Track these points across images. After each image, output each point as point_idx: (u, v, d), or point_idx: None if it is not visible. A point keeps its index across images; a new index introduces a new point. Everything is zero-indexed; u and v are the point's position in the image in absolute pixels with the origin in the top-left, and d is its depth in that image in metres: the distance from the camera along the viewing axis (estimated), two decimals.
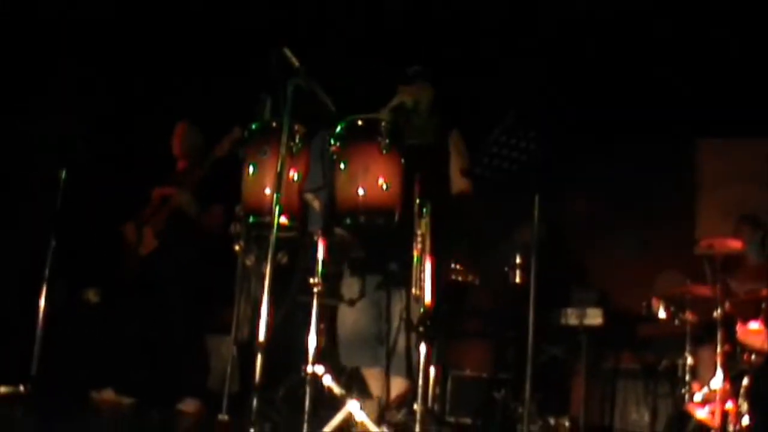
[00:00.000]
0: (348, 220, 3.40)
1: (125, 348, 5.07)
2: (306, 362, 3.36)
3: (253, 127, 3.61)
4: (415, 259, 3.47)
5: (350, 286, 3.91)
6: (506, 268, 5.01)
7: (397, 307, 3.83)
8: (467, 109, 4.79)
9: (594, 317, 5.69)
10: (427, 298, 3.47)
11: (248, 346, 3.80)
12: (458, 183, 3.92)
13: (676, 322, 5.27)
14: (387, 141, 3.40)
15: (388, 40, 5.85)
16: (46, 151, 4.77)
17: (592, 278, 6.25)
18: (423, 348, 3.46)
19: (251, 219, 3.53)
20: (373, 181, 3.39)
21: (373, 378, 3.91)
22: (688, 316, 5.22)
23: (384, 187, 3.39)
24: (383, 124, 3.45)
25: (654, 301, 5.42)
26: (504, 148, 3.45)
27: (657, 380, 5.55)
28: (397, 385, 3.83)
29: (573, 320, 5.73)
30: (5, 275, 5.31)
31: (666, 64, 6.13)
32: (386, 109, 3.87)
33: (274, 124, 3.55)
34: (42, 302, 4.40)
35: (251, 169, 3.56)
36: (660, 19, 5.85)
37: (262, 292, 3.61)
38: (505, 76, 6.09)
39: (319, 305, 3.40)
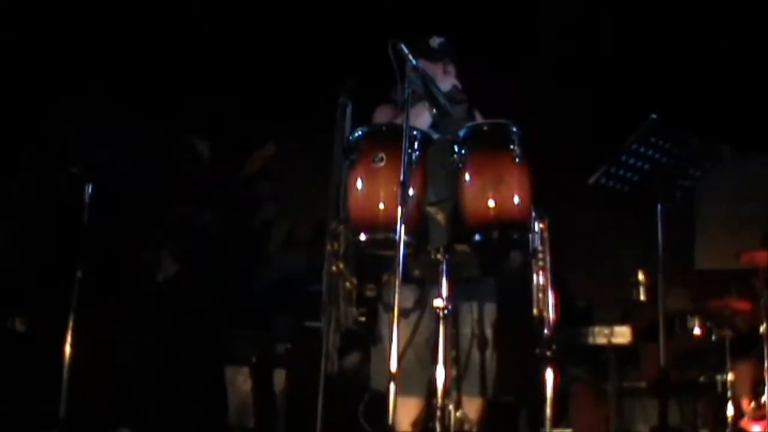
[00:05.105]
0: (478, 237, 3.08)
1: (143, 383, 4.57)
2: (435, 395, 3.04)
3: (360, 132, 3.22)
4: (534, 278, 3.20)
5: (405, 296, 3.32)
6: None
7: (467, 322, 3.51)
8: None
9: (622, 335, 5.51)
10: (551, 319, 3.22)
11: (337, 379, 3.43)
12: None
13: (713, 338, 5.18)
14: (520, 149, 3.10)
15: None
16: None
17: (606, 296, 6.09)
18: (550, 373, 3.18)
19: (362, 236, 3.13)
20: (507, 193, 3.06)
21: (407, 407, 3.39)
22: (726, 331, 5.12)
23: (516, 200, 3.09)
24: (514, 130, 3.14)
25: (688, 317, 5.33)
26: (636, 158, 3.21)
27: (693, 398, 5.43)
28: (475, 406, 3.49)
29: (601, 339, 5.54)
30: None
31: None
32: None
33: (384, 129, 3.19)
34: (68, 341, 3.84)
35: (360, 181, 3.17)
36: None
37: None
38: None
39: (446, 331, 3.08)
